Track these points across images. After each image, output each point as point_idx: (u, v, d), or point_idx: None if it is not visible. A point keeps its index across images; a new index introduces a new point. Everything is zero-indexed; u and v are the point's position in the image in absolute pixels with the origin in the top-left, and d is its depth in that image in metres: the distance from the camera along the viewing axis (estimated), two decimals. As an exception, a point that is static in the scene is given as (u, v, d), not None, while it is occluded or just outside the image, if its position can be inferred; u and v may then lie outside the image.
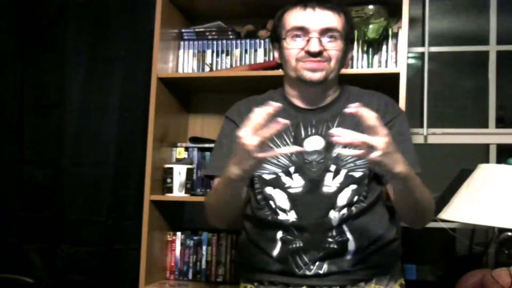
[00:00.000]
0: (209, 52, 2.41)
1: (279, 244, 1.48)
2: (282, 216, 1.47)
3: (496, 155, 2.59)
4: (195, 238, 2.37)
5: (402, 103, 1.99)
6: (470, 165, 2.03)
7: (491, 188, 1.80)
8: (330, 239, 1.44)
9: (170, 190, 2.26)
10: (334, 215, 1.45)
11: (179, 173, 2.26)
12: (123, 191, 2.54)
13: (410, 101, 2.08)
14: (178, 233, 2.38)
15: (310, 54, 1.42)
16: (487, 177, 1.84)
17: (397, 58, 2.20)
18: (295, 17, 1.47)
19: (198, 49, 2.42)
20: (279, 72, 2.25)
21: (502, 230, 2.31)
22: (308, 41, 1.43)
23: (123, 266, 2.52)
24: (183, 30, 2.44)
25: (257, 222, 1.54)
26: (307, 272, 1.44)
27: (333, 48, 1.44)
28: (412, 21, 2.50)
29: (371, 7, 2.19)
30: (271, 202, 1.49)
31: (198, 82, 2.41)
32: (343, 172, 1.45)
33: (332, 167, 1.45)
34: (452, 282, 2.09)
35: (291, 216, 1.46)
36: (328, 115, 1.50)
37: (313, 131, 1.49)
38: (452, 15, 3.01)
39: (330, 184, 1.45)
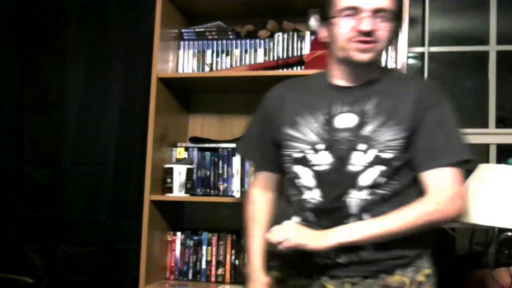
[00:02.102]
0: (209, 52, 2.41)
1: None
2: (305, 195, 1.46)
3: (496, 155, 2.59)
4: (195, 238, 2.36)
5: (402, 103, 1.99)
6: (470, 165, 2.02)
7: (491, 188, 1.80)
8: None
9: (170, 190, 2.26)
10: (355, 196, 1.41)
11: (179, 173, 2.26)
12: (123, 191, 2.54)
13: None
14: (178, 233, 2.38)
15: (362, 33, 1.40)
16: (487, 177, 1.84)
17: (397, 58, 2.20)
18: None
19: (198, 49, 2.42)
20: (279, 72, 2.26)
21: (502, 230, 2.30)
22: (359, 20, 1.40)
23: (123, 266, 2.52)
24: (183, 30, 2.44)
25: (285, 203, 1.54)
26: (328, 261, 1.42)
27: (384, 28, 1.42)
28: (412, 21, 2.50)
29: (371, 7, 2.18)
30: (297, 181, 1.49)
31: (198, 82, 2.41)
32: (372, 152, 1.42)
33: (362, 146, 1.42)
34: (452, 282, 2.09)
35: (315, 195, 1.45)
36: (365, 94, 1.47)
37: (348, 108, 1.46)
38: (452, 15, 3.01)
39: (356, 163, 1.42)
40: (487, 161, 2.58)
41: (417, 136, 1.43)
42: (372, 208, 1.41)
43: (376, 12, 1.41)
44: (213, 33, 2.42)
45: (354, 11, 1.41)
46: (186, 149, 2.38)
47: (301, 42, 2.32)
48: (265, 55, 2.36)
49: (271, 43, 2.36)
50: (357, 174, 1.42)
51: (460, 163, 1.44)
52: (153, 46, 2.25)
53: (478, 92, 2.90)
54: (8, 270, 2.56)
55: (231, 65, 2.38)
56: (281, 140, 1.53)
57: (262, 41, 2.37)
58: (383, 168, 1.41)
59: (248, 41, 2.39)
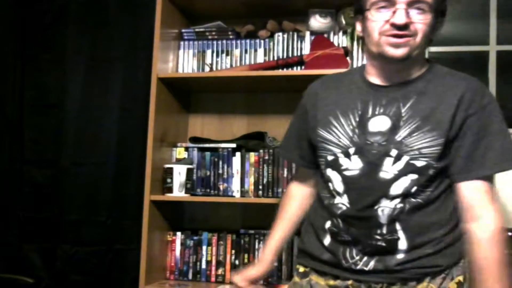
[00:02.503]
0: (209, 52, 2.41)
1: (330, 234, 1.45)
2: (337, 200, 1.42)
3: (496, 155, 2.58)
4: (195, 238, 2.36)
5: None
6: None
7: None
8: (378, 236, 1.37)
9: (170, 190, 2.26)
10: (386, 205, 1.36)
11: (179, 173, 2.26)
12: (123, 191, 2.54)
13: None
14: (178, 233, 2.38)
15: (395, 26, 1.31)
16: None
17: (397, 58, 2.19)
18: None
19: (198, 49, 2.42)
20: (279, 72, 2.26)
21: (502, 230, 2.30)
22: (394, 12, 1.32)
23: (123, 266, 2.52)
24: (183, 30, 2.44)
25: (319, 204, 1.52)
26: (353, 267, 1.40)
27: (420, 21, 1.32)
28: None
29: (371, 7, 2.18)
30: (330, 184, 1.45)
31: (198, 82, 2.41)
32: (404, 158, 1.34)
33: (393, 152, 1.35)
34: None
35: (344, 200, 1.40)
36: (401, 94, 1.39)
37: (381, 110, 1.38)
38: (452, 17, 3.00)
39: (388, 169, 1.35)
40: (487, 161, 2.58)
41: (457, 144, 1.35)
42: (403, 217, 1.36)
43: (412, 3, 1.32)
44: (213, 33, 2.42)
45: (388, 3, 1.33)
46: (186, 149, 2.38)
47: (301, 42, 2.32)
48: (265, 55, 2.36)
49: (271, 43, 2.36)
50: (389, 182, 1.35)
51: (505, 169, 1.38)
52: (153, 46, 2.25)
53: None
54: (8, 270, 2.56)
55: (231, 65, 2.38)
56: (315, 142, 1.49)
57: (262, 41, 2.37)
58: (414, 176, 1.34)
59: (248, 41, 2.39)
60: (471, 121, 1.35)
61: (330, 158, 1.44)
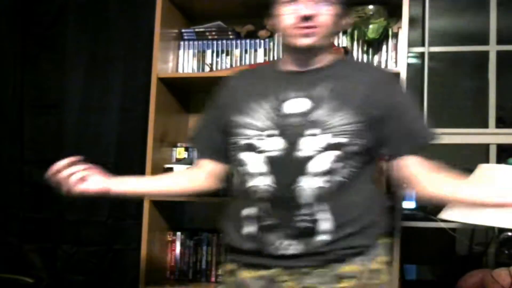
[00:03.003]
0: (209, 52, 2.41)
1: (249, 221, 1.44)
2: (255, 182, 1.42)
3: (496, 155, 2.59)
4: (195, 238, 2.37)
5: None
6: (470, 165, 2.03)
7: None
8: (300, 217, 1.38)
9: (170, 190, 2.26)
10: (306, 184, 1.37)
11: (179, 173, 2.26)
12: (123, 191, 2.53)
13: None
14: (178, 233, 2.38)
15: (302, 18, 1.40)
16: (487, 177, 1.84)
17: (397, 58, 2.20)
18: None
19: (198, 49, 2.42)
20: (279, 72, 2.25)
21: (502, 230, 2.31)
22: (299, 5, 1.41)
23: (123, 266, 2.52)
24: (183, 30, 2.44)
25: (235, 194, 1.53)
26: (275, 252, 1.40)
27: (325, 12, 1.42)
28: (412, 21, 2.50)
29: (371, 7, 2.19)
30: (244, 168, 1.45)
31: (198, 82, 2.41)
32: (323, 137, 1.39)
33: (312, 131, 1.39)
34: (452, 282, 2.09)
35: (268, 181, 1.40)
36: (317, 78, 1.46)
37: (299, 93, 1.44)
38: (452, 14, 3.01)
39: (304, 148, 1.39)
40: (487, 161, 2.58)
41: (381, 124, 1.43)
42: (330, 197, 1.38)
43: None
44: (213, 33, 2.42)
45: None
46: (186, 149, 2.38)
47: (301, 42, 2.32)
48: (265, 55, 2.36)
49: (271, 43, 2.36)
50: (306, 160, 1.38)
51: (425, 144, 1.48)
52: (153, 46, 2.25)
53: (478, 92, 2.90)
54: (8, 270, 2.56)
55: (231, 65, 2.38)
56: (229, 128, 1.50)
57: (262, 41, 2.37)
58: (337, 153, 1.38)
59: (248, 41, 2.39)
60: (391, 100, 1.45)
61: (244, 141, 1.46)
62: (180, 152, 2.38)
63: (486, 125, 2.63)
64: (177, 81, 2.36)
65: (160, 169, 2.29)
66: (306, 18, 1.40)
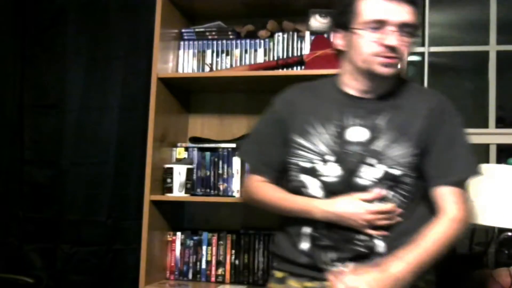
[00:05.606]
0: (209, 52, 2.41)
1: (305, 239, 1.47)
2: None
3: (496, 155, 2.59)
4: (195, 238, 2.36)
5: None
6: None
7: (491, 188, 1.80)
8: (358, 242, 1.42)
9: (170, 190, 2.26)
10: None
11: (179, 173, 2.26)
12: (123, 191, 2.54)
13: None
14: (178, 233, 2.38)
15: (387, 48, 1.39)
16: (487, 177, 1.84)
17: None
18: (375, 8, 1.40)
19: (198, 49, 2.42)
20: (279, 72, 2.26)
21: (502, 230, 2.31)
22: (385, 33, 1.39)
23: (123, 266, 2.52)
24: (183, 30, 2.44)
25: None
26: (333, 269, 1.43)
27: (405, 43, 1.41)
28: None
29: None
30: (304, 190, 1.49)
31: (198, 82, 2.41)
32: (382, 167, 1.42)
33: (371, 160, 1.43)
34: (452, 282, 2.09)
35: None
36: (378, 107, 1.47)
37: (359, 121, 1.46)
38: (452, 10, 3.01)
39: (364, 176, 1.42)
40: (487, 161, 2.58)
41: (428, 153, 1.44)
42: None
43: (402, 26, 1.40)
44: (213, 33, 2.42)
45: (380, 24, 1.39)
46: (186, 149, 2.38)
47: (301, 42, 2.32)
48: (265, 55, 2.36)
49: (271, 43, 2.36)
50: (362, 188, 1.42)
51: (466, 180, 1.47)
52: (153, 46, 2.25)
53: (478, 92, 2.90)
54: (8, 270, 2.56)
55: (231, 65, 2.38)
56: (289, 147, 1.52)
57: (262, 41, 2.37)
58: (391, 183, 1.42)
59: (248, 41, 2.39)
60: (441, 132, 1.44)
61: (305, 164, 1.48)
62: (180, 152, 2.38)
63: (486, 125, 2.63)
64: (177, 81, 2.36)
65: (160, 169, 2.29)
66: (391, 49, 1.39)
